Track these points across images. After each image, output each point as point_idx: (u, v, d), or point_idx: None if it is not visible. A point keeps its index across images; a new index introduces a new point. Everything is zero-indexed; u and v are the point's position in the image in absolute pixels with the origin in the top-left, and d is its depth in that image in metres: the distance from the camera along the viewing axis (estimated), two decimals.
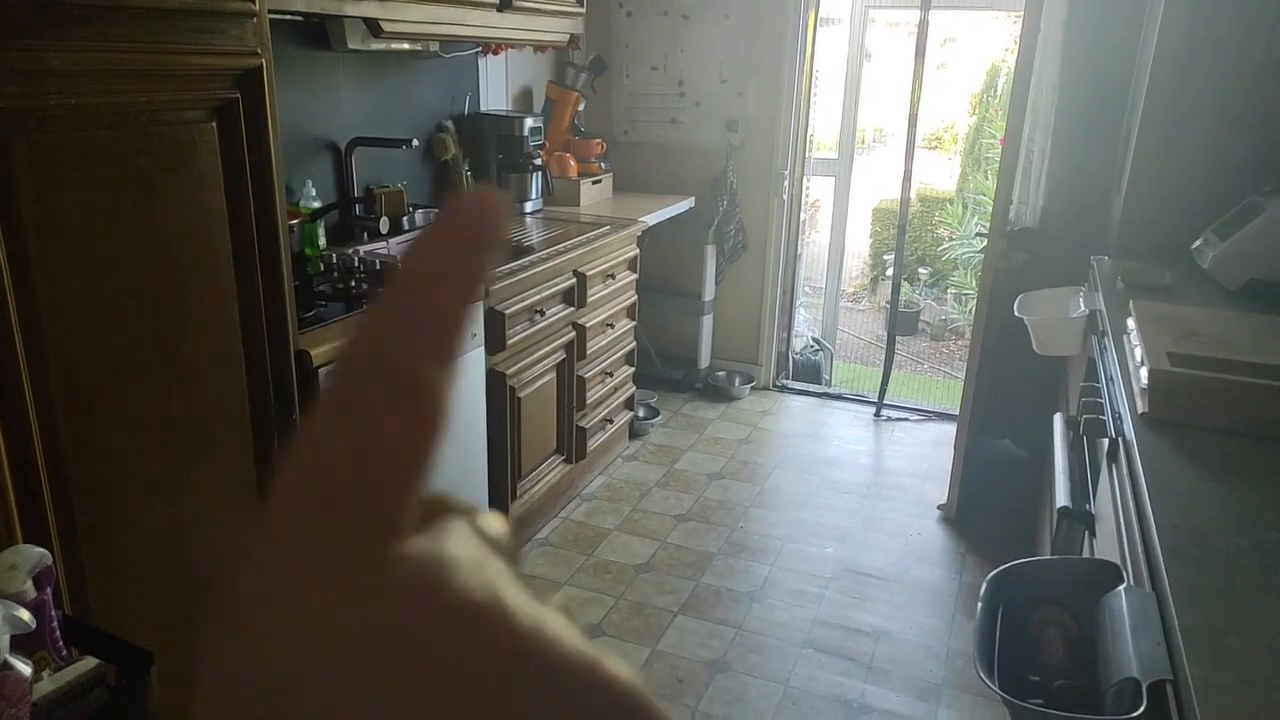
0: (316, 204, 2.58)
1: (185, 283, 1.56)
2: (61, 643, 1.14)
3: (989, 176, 6.41)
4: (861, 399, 4.14)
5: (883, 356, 6.30)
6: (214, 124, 1.56)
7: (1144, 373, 1.48)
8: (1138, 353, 1.61)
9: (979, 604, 1.09)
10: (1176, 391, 1.41)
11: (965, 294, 6.56)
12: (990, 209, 6.36)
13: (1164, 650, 0.93)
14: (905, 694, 2.26)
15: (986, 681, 0.95)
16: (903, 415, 3.96)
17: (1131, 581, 1.09)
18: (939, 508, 3.14)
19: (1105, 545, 1.38)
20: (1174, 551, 1.06)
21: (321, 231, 2.56)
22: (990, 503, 3.11)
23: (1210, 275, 2.19)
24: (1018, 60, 2.77)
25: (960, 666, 2.37)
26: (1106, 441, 1.76)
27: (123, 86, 1.38)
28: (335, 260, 2.46)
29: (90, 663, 1.10)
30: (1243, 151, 2.35)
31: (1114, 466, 1.45)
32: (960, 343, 6.63)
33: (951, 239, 6.84)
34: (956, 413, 3.94)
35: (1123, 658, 0.94)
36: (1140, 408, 1.45)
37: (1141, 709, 0.86)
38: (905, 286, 6.79)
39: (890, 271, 7.22)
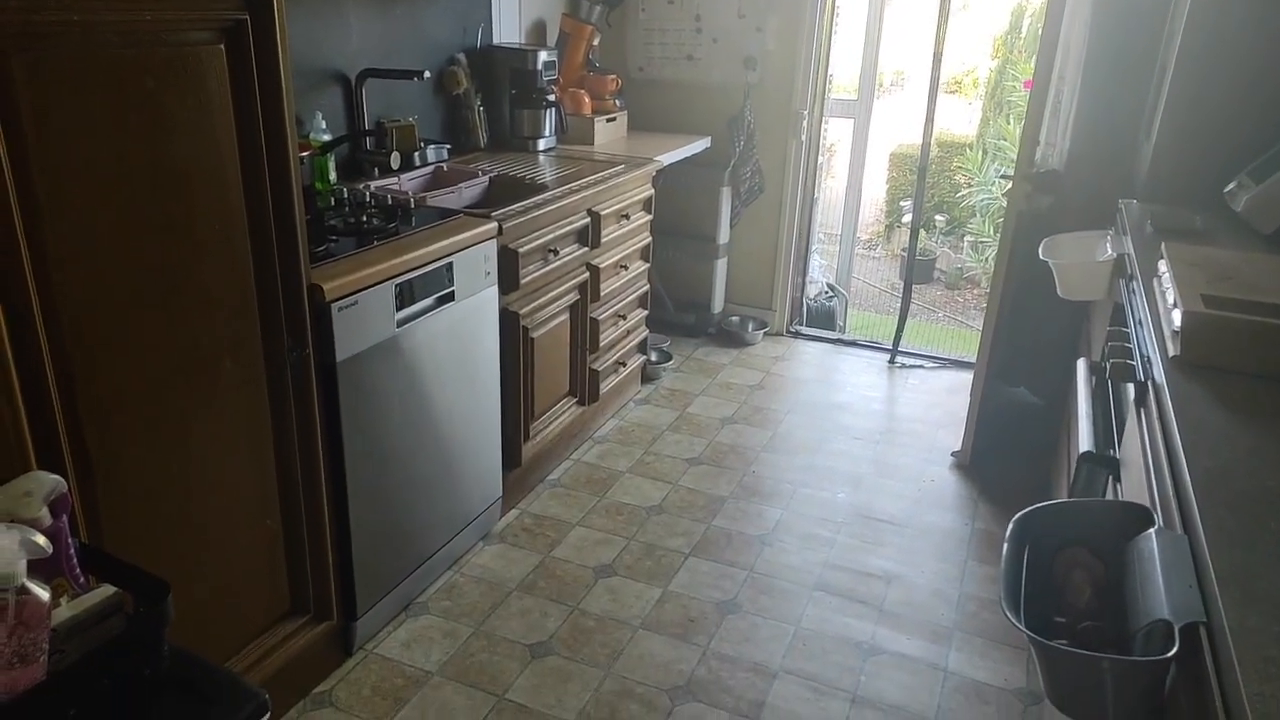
0: (326, 137, 2.53)
1: (194, 212, 1.53)
2: (79, 570, 1.13)
3: (1010, 121, 6.27)
4: (876, 346, 4.11)
5: (896, 304, 6.25)
6: (222, 46, 1.51)
7: (1177, 315, 1.45)
8: (1169, 295, 1.56)
9: (1005, 544, 1.08)
10: (1209, 334, 1.37)
11: (982, 242, 6.47)
12: (1011, 154, 6.22)
13: (1197, 592, 0.91)
14: (916, 637, 2.27)
15: (1014, 621, 0.94)
16: (917, 363, 3.93)
17: (1162, 524, 1.07)
18: (953, 454, 3.13)
19: (1132, 490, 1.35)
20: (1207, 494, 1.04)
21: (332, 165, 2.52)
22: (1004, 450, 3.09)
23: (1243, 219, 2.13)
24: None
25: (972, 610, 2.37)
26: (1133, 386, 1.73)
27: (125, 4, 1.33)
28: (346, 195, 2.42)
29: (108, 590, 1.09)
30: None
31: (1143, 410, 1.42)
32: (975, 292, 6.55)
33: (970, 185, 6.72)
34: (970, 360, 3.92)
35: (1154, 600, 0.93)
36: (1171, 351, 1.42)
37: (1174, 650, 0.84)
38: (921, 234, 6.69)
39: (906, 218, 7.12)
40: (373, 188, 2.56)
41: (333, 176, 2.52)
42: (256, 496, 1.80)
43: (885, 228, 7.44)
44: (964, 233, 6.86)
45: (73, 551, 1.12)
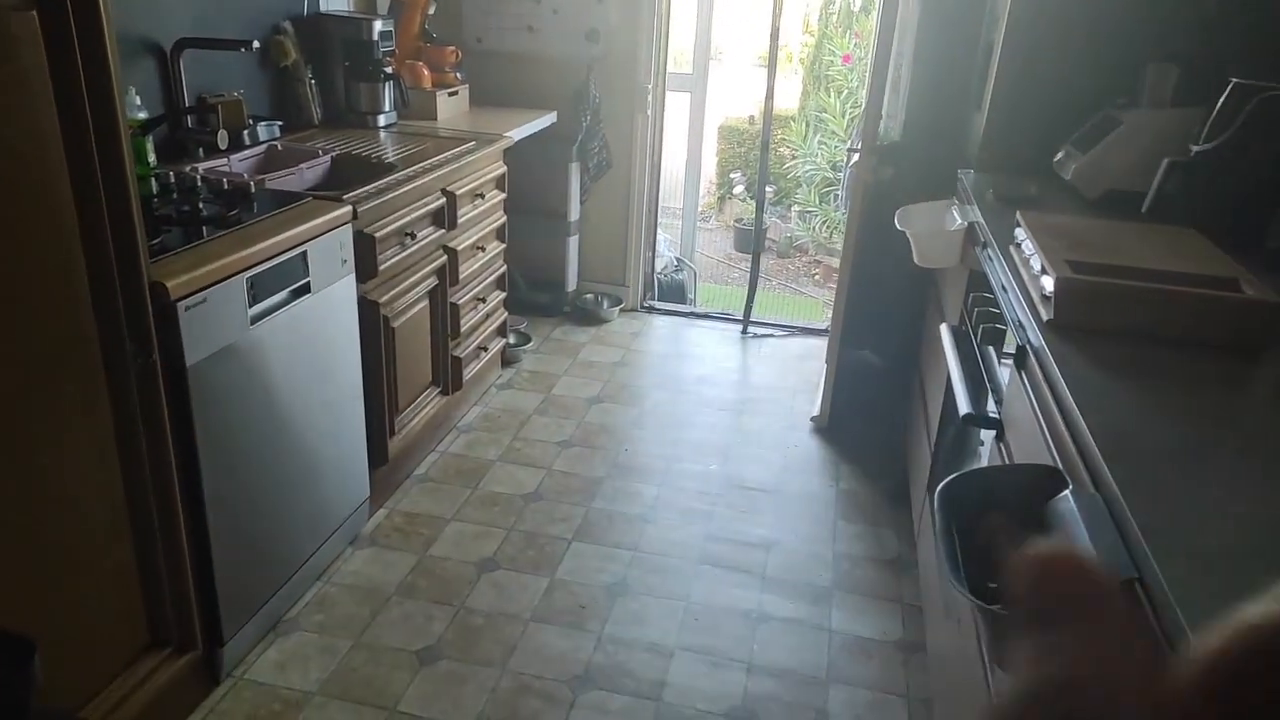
0: (143, 115, 2.27)
1: (14, 204, 1.32)
2: None
3: (831, 94, 6.52)
4: (727, 317, 4.18)
5: (733, 274, 6.40)
6: (34, 12, 1.30)
7: (1047, 281, 1.53)
8: (1034, 262, 1.66)
9: (935, 517, 1.10)
10: (1081, 298, 1.46)
11: (809, 211, 6.72)
12: (832, 126, 6.46)
13: (1123, 549, 0.96)
14: (799, 600, 2.33)
15: (962, 592, 0.96)
16: (768, 332, 4.03)
17: (1071, 484, 1.13)
18: (811, 419, 3.24)
19: (1023, 450, 1.43)
20: (1110, 453, 1.10)
21: (150, 147, 2.26)
22: (856, 412, 3.22)
23: (1071, 186, 2.30)
24: None
25: (846, 569, 2.47)
26: (994, 349, 1.84)
27: None
28: (172, 180, 2.18)
29: None
30: (1097, 66, 2.46)
31: (1024, 373, 1.50)
32: (805, 259, 6.82)
33: (795, 157, 6.95)
34: (815, 327, 4.08)
35: None
36: (1045, 315, 1.50)
37: None
38: (752, 204, 6.88)
39: (737, 189, 7.31)
40: (201, 170, 2.33)
41: (152, 159, 2.27)
42: (105, 522, 1.59)
43: (717, 199, 7.60)
44: (791, 203, 7.10)
45: None
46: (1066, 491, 1.08)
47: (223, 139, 2.51)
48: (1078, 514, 1.03)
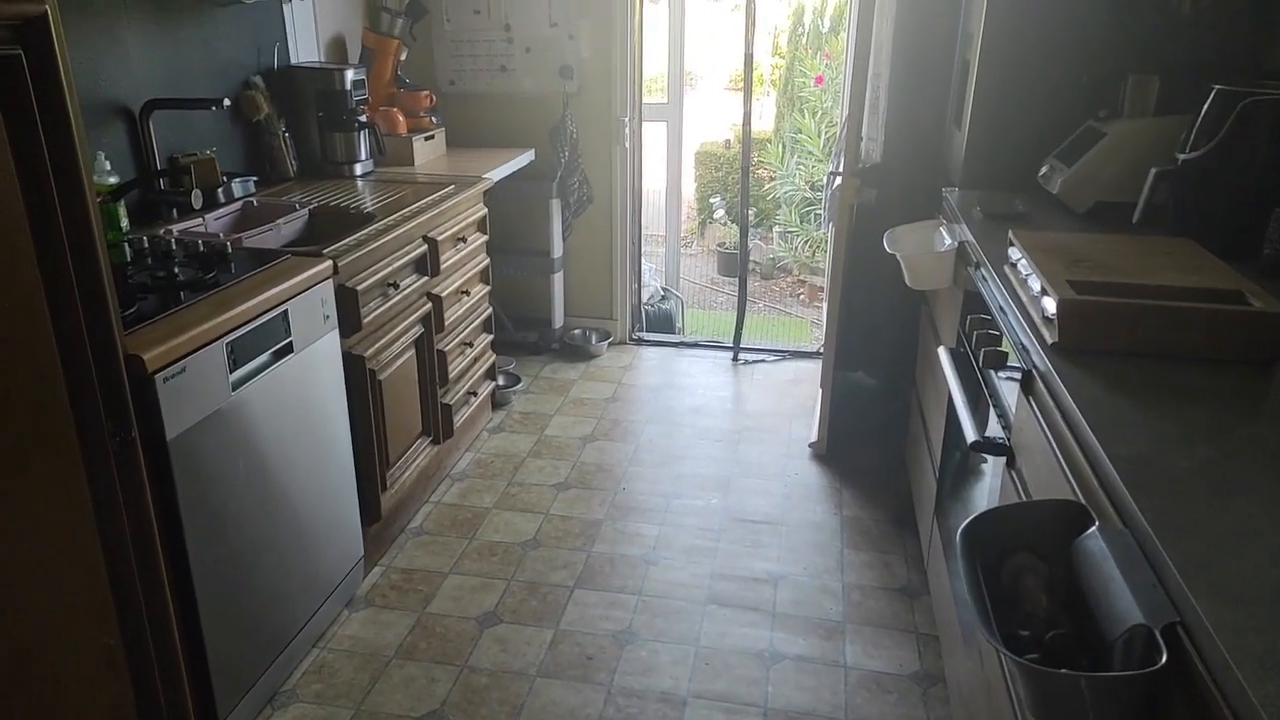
0: (114, 179, 2.23)
1: None
2: None
3: (805, 115, 6.55)
4: (717, 345, 4.14)
5: (718, 299, 6.38)
6: None
7: (1049, 302, 1.50)
8: (1033, 282, 1.62)
9: (960, 562, 1.05)
10: (1086, 320, 1.42)
11: (790, 232, 6.72)
12: (809, 147, 6.48)
13: (1161, 590, 0.91)
14: (812, 635, 2.27)
15: (999, 648, 0.91)
16: (759, 357, 3.99)
17: (1098, 519, 1.08)
18: (810, 445, 3.19)
19: (1037, 479, 1.38)
20: (1134, 484, 1.05)
21: (123, 212, 2.21)
22: (854, 435, 3.18)
23: (1059, 200, 2.28)
24: None
25: (856, 600, 2.41)
26: (1001, 374, 1.80)
27: None
28: (146, 244, 2.14)
29: None
30: (1075, 79, 2.45)
31: (1032, 398, 1.46)
32: (789, 280, 6.81)
33: (773, 179, 6.96)
34: (806, 350, 4.04)
35: (1122, 604, 0.92)
36: (1049, 338, 1.47)
37: (1164, 660, 0.83)
38: (733, 228, 6.87)
39: (718, 214, 7.31)
40: (176, 232, 2.28)
41: (125, 224, 2.22)
42: (89, 611, 1.52)
43: (698, 224, 7.60)
44: (772, 224, 7.11)
45: None
46: (1093, 528, 1.04)
47: (197, 199, 2.47)
48: (1108, 552, 0.99)
